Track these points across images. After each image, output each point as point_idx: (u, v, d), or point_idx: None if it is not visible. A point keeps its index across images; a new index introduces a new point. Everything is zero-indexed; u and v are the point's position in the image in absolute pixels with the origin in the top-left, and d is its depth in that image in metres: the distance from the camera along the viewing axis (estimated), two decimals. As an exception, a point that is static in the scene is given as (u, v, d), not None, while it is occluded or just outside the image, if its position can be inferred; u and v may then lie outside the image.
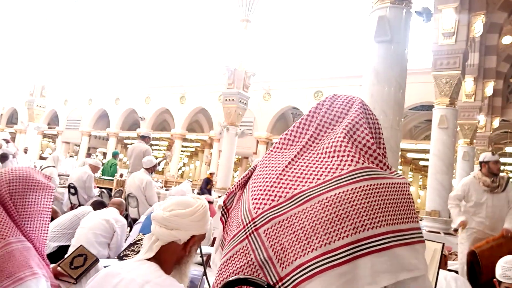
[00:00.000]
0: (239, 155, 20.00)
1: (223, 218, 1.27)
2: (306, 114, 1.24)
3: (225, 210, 1.28)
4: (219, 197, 8.33)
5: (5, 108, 25.61)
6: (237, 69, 11.53)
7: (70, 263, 1.94)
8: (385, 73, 4.67)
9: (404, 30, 4.80)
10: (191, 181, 12.21)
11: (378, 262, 0.90)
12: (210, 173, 13.29)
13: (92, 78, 23.40)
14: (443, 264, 2.35)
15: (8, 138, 9.29)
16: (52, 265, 1.92)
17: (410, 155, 18.97)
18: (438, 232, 7.21)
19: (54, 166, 7.09)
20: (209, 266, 1.45)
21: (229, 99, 11.64)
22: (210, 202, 4.92)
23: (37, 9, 15.25)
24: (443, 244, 1.75)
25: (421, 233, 0.98)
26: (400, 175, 1.06)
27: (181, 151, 22.36)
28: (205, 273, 3.02)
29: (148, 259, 1.41)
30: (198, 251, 1.55)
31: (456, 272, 3.39)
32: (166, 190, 8.58)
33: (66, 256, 3.03)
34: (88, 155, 11.02)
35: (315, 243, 0.93)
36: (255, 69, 12.03)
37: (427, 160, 9.55)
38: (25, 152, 13.20)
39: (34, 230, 1.74)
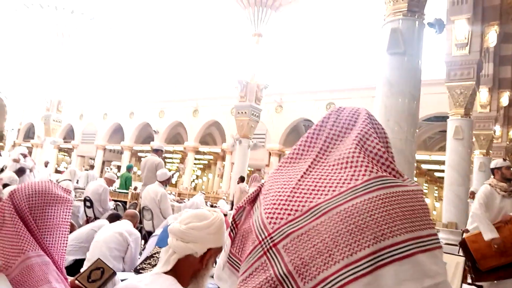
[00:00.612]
0: (252, 167, 19.99)
1: (231, 233, 1.26)
2: (313, 128, 1.25)
3: (234, 225, 1.26)
4: (232, 209, 8.30)
5: (22, 123, 26.11)
6: (249, 83, 11.63)
7: (87, 277, 1.95)
8: (398, 85, 4.66)
9: (417, 42, 4.80)
10: (204, 194, 12.21)
11: (401, 271, 0.90)
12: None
13: (107, 93, 23.80)
14: (462, 279, 2.31)
15: (25, 152, 9.45)
16: (69, 279, 1.94)
17: (424, 166, 18.73)
18: (455, 245, 7.06)
19: (70, 180, 7.19)
20: None
21: (242, 112, 11.71)
22: (224, 215, 4.92)
23: (54, 26, 15.64)
24: (466, 258, 1.71)
25: (438, 238, 0.98)
26: (414, 182, 1.06)
27: (194, 163, 22.46)
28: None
29: (166, 272, 1.41)
30: (215, 264, 1.54)
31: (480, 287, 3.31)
32: (180, 202, 8.59)
33: (83, 269, 3.05)
34: (91, 167, 11.19)
35: (336, 255, 0.92)
36: (267, 82, 12.11)
37: (442, 171, 9.41)
38: (46, 166, 13.44)
39: (53, 244, 1.75)
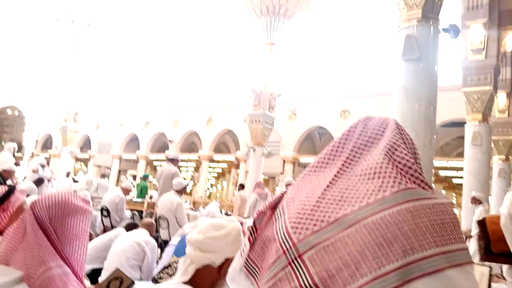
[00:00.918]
0: (266, 175, 19.95)
1: (251, 238, 1.22)
2: (339, 137, 1.20)
3: (254, 230, 1.23)
4: (247, 217, 8.29)
5: (40, 134, 26.64)
6: (262, 91, 11.66)
7: (106, 286, 1.97)
8: (414, 91, 4.62)
9: (432, 48, 4.76)
10: (219, 202, 12.23)
11: (430, 286, 0.87)
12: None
13: (123, 103, 24.15)
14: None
15: (44, 163, 9.62)
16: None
17: (442, 173, 18.43)
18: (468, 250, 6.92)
19: (87, 189, 7.29)
20: None
21: (255, 120, 11.74)
22: (240, 223, 4.91)
23: (71, 39, 16.00)
24: (491, 268, 1.67)
25: (469, 253, 0.94)
26: (443, 195, 1.03)
27: (209, 172, 22.54)
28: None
29: (184, 282, 1.41)
30: None
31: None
32: (195, 211, 8.62)
33: (101, 279, 3.07)
34: (102, 176, 11.37)
35: (364, 268, 0.90)
36: (280, 90, 12.13)
37: (461, 177, 9.24)
38: (67, 176, 13.68)
39: (73, 254, 1.76)
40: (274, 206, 1.23)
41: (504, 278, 4.56)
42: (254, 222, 1.26)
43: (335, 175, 1.11)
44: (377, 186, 1.00)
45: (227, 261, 1.43)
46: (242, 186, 10.88)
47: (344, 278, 0.91)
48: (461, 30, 6.73)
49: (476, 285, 0.92)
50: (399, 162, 1.03)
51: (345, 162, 1.13)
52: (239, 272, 1.26)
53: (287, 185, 7.35)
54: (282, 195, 1.21)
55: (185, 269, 1.44)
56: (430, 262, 0.88)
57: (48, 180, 8.80)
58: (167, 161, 7.47)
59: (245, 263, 1.23)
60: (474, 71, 7.59)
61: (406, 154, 1.05)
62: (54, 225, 1.69)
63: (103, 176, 12.16)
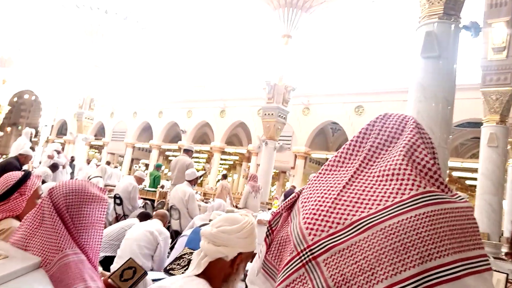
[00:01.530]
0: (277, 169, 19.95)
1: (267, 239, 1.24)
2: (356, 135, 1.20)
3: (270, 231, 1.25)
4: (260, 211, 8.31)
5: (56, 119, 27.01)
6: (277, 84, 11.62)
7: (120, 276, 1.99)
8: (432, 89, 4.55)
9: (452, 46, 4.67)
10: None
11: None
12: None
13: (137, 92, 24.31)
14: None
15: (59, 149, 9.74)
16: (103, 275, 1.98)
17: (455, 174, 18.19)
18: (488, 257, 6.83)
19: (101, 177, 7.38)
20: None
21: (269, 114, 11.71)
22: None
23: (88, 25, 16.12)
24: (507, 274, 1.65)
25: (488, 260, 0.93)
26: (463, 198, 1.01)
27: (220, 164, 22.62)
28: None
29: (198, 276, 1.42)
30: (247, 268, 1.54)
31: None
32: (206, 202, 8.68)
33: (114, 267, 3.12)
34: (107, 163, 11.65)
35: (380, 274, 0.89)
36: (295, 84, 12.06)
37: (474, 179, 9.11)
38: (88, 164, 13.82)
39: (89, 242, 1.79)
40: (290, 207, 1.22)
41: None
42: (270, 223, 1.26)
43: (352, 176, 1.09)
44: (395, 189, 0.98)
45: (240, 256, 1.44)
46: (224, 176, 11.15)
47: (360, 284, 0.90)
48: (483, 28, 6.60)
49: None
50: (418, 163, 1.01)
51: (362, 162, 1.11)
52: (258, 275, 1.26)
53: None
54: (298, 195, 1.21)
55: (198, 262, 1.46)
56: (447, 270, 0.87)
57: (63, 167, 8.93)
58: (181, 151, 7.52)
59: (263, 264, 1.23)
60: (494, 70, 7.43)
61: (425, 155, 1.02)
62: (71, 213, 1.71)
63: (108, 163, 12.40)
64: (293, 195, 1.24)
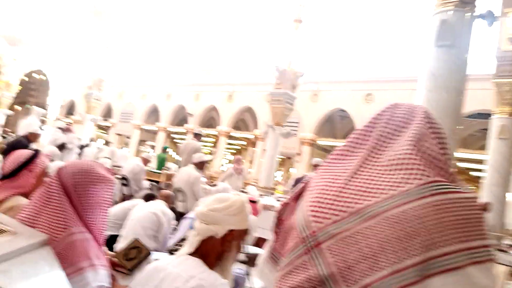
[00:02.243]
0: (283, 155, 19.95)
1: (277, 230, 1.26)
2: (365, 124, 1.20)
3: (279, 221, 1.27)
4: (261, 195, 8.35)
5: (64, 100, 27.11)
6: (286, 70, 11.52)
7: (125, 255, 2.02)
8: (443, 79, 4.49)
9: (466, 35, 4.59)
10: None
11: (449, 282, 0.87)
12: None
13: (146, 74, 24.30)
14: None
15: (63, 126, 9.65)
16: (108, 255, 2.01)
17: (462, 165, 18.06)
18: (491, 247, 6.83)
19: (109, 158, 7.43)
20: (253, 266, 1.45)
21: (276, 99, 11.66)
22: (254, 202, 4.95)
23: (96, 5, 16.05)
24: (511, 267, 1.64)
25: (491, 250, 0.94)
26: (468, 188, 1.02)
27: (226, 148, 22.67)
28: (249, 273, 3.04)
29: (193, 255, 1.45)
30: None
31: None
32: (212, 186, 8.75)
33: (119, 246, 3.16)
34: (106, 143, 11.73)
35: (382, 261, 0.90)
36: (304, 70, 11.95)
37: (480, 170, 9.04)
38: (107, 144, 13.69)
39: (95, 221, 1.82)
40: (297, 197, 1.23)
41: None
42: (278, 214, 1.27)
43: (360, 165, 1.09)
44: (403, 178, 0.98)
45: (231, 233, 1.47)
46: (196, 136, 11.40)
47: (362, 270, 0.91)
48: (499, 18, 6.46)
49: (495, 283, 0.91)
50: (428, 154, 1.01)
51: (371, 151, 1.11)
52: (266, 264, 1.28)
53: (315, 165, 7.34)
54: (305, 184, 1.22)
55: (191, 241, 1.49)
56: (450, 259, 0.87)
57: (63, 147, 8.66)
58: (191, 135, 7.56)
59: (271, 253, 1.24)
60: (509, 61, 7.30)
61: (434, 145, 1.02)
62: (78, 192, 1.74)
63: (106, 143, 12.49)
64: (300, 185, 1.24)
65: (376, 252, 0.91)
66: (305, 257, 1.00)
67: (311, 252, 1.00)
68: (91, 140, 13.85)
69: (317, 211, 1.03)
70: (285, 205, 1.26)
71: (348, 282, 0.92)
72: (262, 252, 1.34)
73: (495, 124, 7.62)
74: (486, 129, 8.42)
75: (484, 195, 7.59)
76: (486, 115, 10.13)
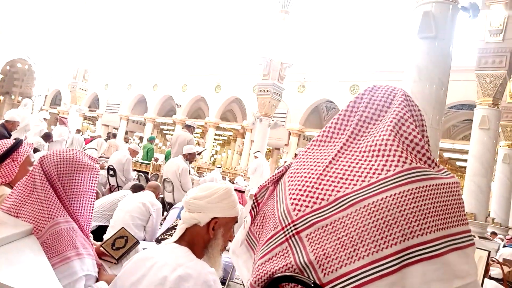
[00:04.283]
0: (271, 146, 20.02)
1: (252, 212, 1.25)
2: (345, 108, 1.17)
3: (256, 204, 1.26)
4: (249, 185, 8.40)
5: (49, 89, 26.65)
6: (273, 60, 11.51)
7: (112, 244, 2.03)
8: (427, 70, 4.56)
9: (449, 27, 4.65)
10: (219, 167, 12.29)
11: (429, 270, 0.86)
12: None
13: (132, 64, 23.99)
14: (485, 273, 2.30)
15: (47, 117, 9.48)
16: (95, 245, 2.02)
17: (446, 155, 18.38)
18: (473, 236, 7.01)
19: (96, 149, 7.36)
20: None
21: (264, 90, 11.65)
22: (242, 191, 4.98)
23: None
24: (489, 252, 1.70)
25: (471, 235, 0.94)
26: (450, 173, 1.00)
27: (214, 139, 22.62)
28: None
29: (181, 244, 1.47)
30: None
31: (498, 280, 3.28)
32: (199, 176, 8.74)
33: (107, 236, 3.17)
34: (78, 131, 11.75)
35: (361, 251, 0.89)
36: (291, 61, 11.95)
37: (465, 160, 9.22)
38: (112, 137, 13.30)
39: (80, 210, 1.81)
40: (276, 181, 1.22)
41: (498, 263, 4.64)
42: (255, 196, 1.27)
43: (339, 151, 1.08)
44: (381, 165, 0.97)
45: (214, 220, 1.47)
46: (114, 135, 11.64)
47: (341, 259, 0.90)
48: (481, 10, 6.55)
49: (475, 268, 0.91)
50: (406, 138, 1.00)
51: (349, 136, 1.10)
52: (241, 245, 1.28)
53: (296, 155, 7.38)
54: (285, 169, 1.22)
55: (177, 230, 1.51)
56: (429, 247, 0.87)
57: (48, 137, 8.43)
58: (184, 127, 7.51)
59: (247, 236, 1.25)
60: (490, 53, 7.41)
61: (413, 129, 1.01)
62: (62, 181, 1.73)
63: (78, 131, 12.37)
64: (280, 168, 1.24)
65: (355, 241, 0.90)
66: (285, 244, 1.00)
67: (291, 240, 0.99)
68: (78, 131, 13.66)
69: (297, 199, 1.03)
70: (263, 188, 1.26)
71: (326, 270, 0.92)
72: (239, 232, 1.34)
73: (477, 115, 7.76)
74: (470, 120, 8.57)
75: (467, 185, 7.75)
76: (469, 106, 10.31)
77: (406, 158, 0.96)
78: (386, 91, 1.14)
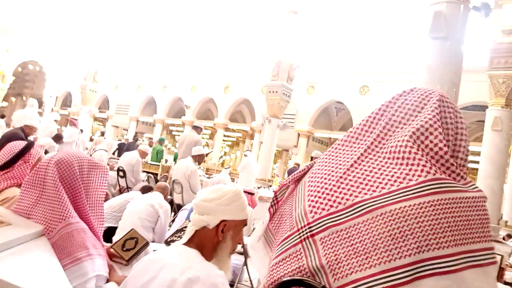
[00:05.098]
0: (280, 147, 19.98)
1: (271, 209, 1.25)
2: (375, 111, 1.12)
3: (275, 201, 1.25)
4: (259, 188, 8.39)
5: (60, 91, 26.93)
6: (282, 61, 11.49)
7: (122, 245, 2.04)
8: (438, 71, 4.50)
9: (461, 27, 4.59)
10: (228, 168, 12.33)
11: (441, 286, 0.83)
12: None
13: (141, 65, 24.16)
14: (499, 277, 2.24)
15: (58, 118, 9.59)
16: (105, 246, 2.03)
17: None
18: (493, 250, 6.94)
19: (106, 150, 7.41)
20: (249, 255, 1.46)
21: (273, 91, 11.63)
22: (251, 194, 4.98)
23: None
24: (502, 256, 1.66)
25: (493, 253, 0.89)
26: (477, 187, 0.95)
27: (223, 140, 22.67)
28: (245, 263, 3.07)
29: (190, 246, 1.47)
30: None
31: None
32: (208, 178, 8.76)
33: (116, 237, 3.18)
34: (81, 131, 12.22)
35: (374, 259, 0.87)
36: (300, 62, 11.92)
37: (476, 162, 9.10)
38: (100, 135, 13.59)
39: (92, 210, 1.82)
40: (297, 180, 1.21)
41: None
42: (275, 194, 1.27)
43: (362, 154, 1.05)
44: (404, 173, 0.94)
45: (223, 223, 1.47)
46: (102, 133, 12.53)
47: (352, 266, 0.89)
48: (493, 10, 6.46)
49: (494, 287, 0.86)
50: (431, 149, 0.95)
51: (375, 139, 1.06)
52: (258, 240, 1.28)
53: (312, 158, 7.34)
54: (308, 168, 1.20)
55: (187, 232, 1.51)
56: (444, 262, 0.84)
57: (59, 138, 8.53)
58: (191, 128, 7.56)
59: (265, 233, 1.24)
60: (503, 53, 7.31)
61: (440, 141, 0.96)
62: (72, 182, 1.74)
63: (81, 131, 12.61)
64: (302, 167, 1.22)
65: (368, 248, 0.88)
66: (299, 246, 1.00)
67: (305, 242, 0.98)
68: (81, 131, 13.78)
69: (315, 201, 1.01)
70: (283, 186, 1.24)
71: (336, 275, 0.91)
72: (258, 227, 1.33)
73: (489, 116, 7.66)
74: (482, 121, 8.47)
75: (479, 188, 7.66)
76: (481, 107, 10.18)
77: (430, 168, 0.93)
78: (421, 95, 1.07)
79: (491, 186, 7.42)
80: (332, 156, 1.12)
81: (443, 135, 0.97)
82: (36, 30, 20.97)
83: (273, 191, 1.28)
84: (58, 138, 8.16)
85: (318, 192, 1.02)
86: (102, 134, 13.61)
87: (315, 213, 0.99)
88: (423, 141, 0.96)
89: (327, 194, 1.00)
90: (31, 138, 6.71)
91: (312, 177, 1.10)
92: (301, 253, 0.99)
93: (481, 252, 0.87)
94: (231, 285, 3.57)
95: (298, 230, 1.02)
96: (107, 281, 1.76)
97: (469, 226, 0.87)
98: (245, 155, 10.37)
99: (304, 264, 0.97)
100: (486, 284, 0.84)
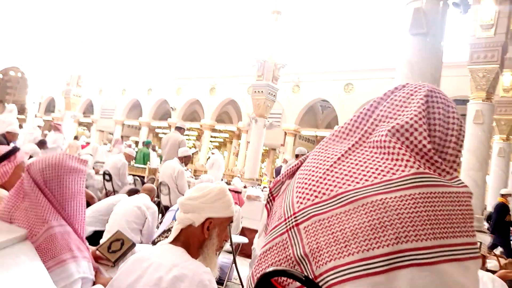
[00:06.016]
0: (267, 147, 20.04)
1: (268, 206, 1.26)
2: (367, 107, 1.12)
3: (271, 198, 1.26)
4: (245, 187, 8.40)
5: (43, 97, 26.55)
6: (266, 61, 11.52)
7: (108, 247, 2.03)
8: (419, 66, 4.57)
9: (440, 23, 4.67)
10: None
11: (418, 277, 0.83)
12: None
13: (126, 69, 23.96)
14: (481, 264, 2.29)
15: (42, 124, 9.51)
16: (91, 249, 2.02)
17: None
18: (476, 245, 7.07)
19: (91, 155, 7.34)
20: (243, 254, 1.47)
21: (258, 91, 11.65)
22: (238, 192, 4.99)
23: (75, 2, 15.70)
24: (481, 243, 1.70)
25: (475, 248, 0.89)
26: (462, 183, 0.95)
27: (210, 141, 22.62)
28: (234, 261, 3.09)
29: (176, 245, 1.47)
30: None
31: (494, 272, 3.30)
32: (196, 179, 8.73)
33: (103, 240, 3.16)
34: (75, 138, 12.63)
35: (352, 247, 0.88)
36: (285, 61, 11.97)
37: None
38: (74, 139, 13.45)
39: (73, 213, 1.82)
40: (291, 175, 1.22)
41: (495, 255, 4.67)
42: (270, 190, 1.28)
43: (349, 148, 1.06)
44: (388, 167, 0.95)
45: (208, 220, 1.48)
46: (76, 137, 13.13)
47: (331, 253, 0.90)
48: (472, 5, 6.59)
49: (474, 282, 0.87)
50: (415, 145, 0.96)
51: (363, 135, 1.08)
52: (259, 237, 1.29)
53: (297, 156, 7.32)
54: (301, 162, 1.20)
55: (173, 231, 1.51)
56: (422, 254, 0.84)
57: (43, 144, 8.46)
58: (171, 129, 7.55)
59: (265, 228, 1.26)
60: (482, 48, 7.45)
61: (424, 138, 0.96)
62: (49, 186, 1.73)
63: (75, 138, 12.88)
64: (296, 162, 1.24)
65: (348, 237, 0.90)
66: (285, 235, 1.01)
67: (290, 231, 1.00)
68: (75, 137, 13.65)
69: (301, 192, 1.03)
70: (277, 182, 1.26)
71: (318, 263, 0.92)
72: (259, 227, 1.35)
73: (470, 109, 7.80)
74: (464, 115, 8.62)
75: (463, 180, 7.80)
76: (463, 101, 10.36)
77: (414, 163, 0.94)
78: (410, 90, 1.07)
79: (474, 178, 7.56)
80: (322, 150, 1.14)
81: (427, 132, 0.98)
82: (17, 36, 20.62)
83: (269, 188, 1.29)
84: (42, 144, 8.06)
85: (305, 184, 1.04)
86: (76, 138, 13.50)
87: (301, 203, 1.01)
88: (407, 137, 0.97)
89: (313, 185, 1.02)
90: (12, 144, 6.61)
91: (302, 171, 1.12)
92: (287, 242, 1.00)
93: (461, 247, 0.87)
94: (221, 283, 3.58)
95: (285, 220, 1.03)
96: (93, 283, 1.75)
97: (450, 221, 0.88)
98: (212, 153, 11.09)
99: (290, 253, 0.98)
100: (465, 279, 0.85)
